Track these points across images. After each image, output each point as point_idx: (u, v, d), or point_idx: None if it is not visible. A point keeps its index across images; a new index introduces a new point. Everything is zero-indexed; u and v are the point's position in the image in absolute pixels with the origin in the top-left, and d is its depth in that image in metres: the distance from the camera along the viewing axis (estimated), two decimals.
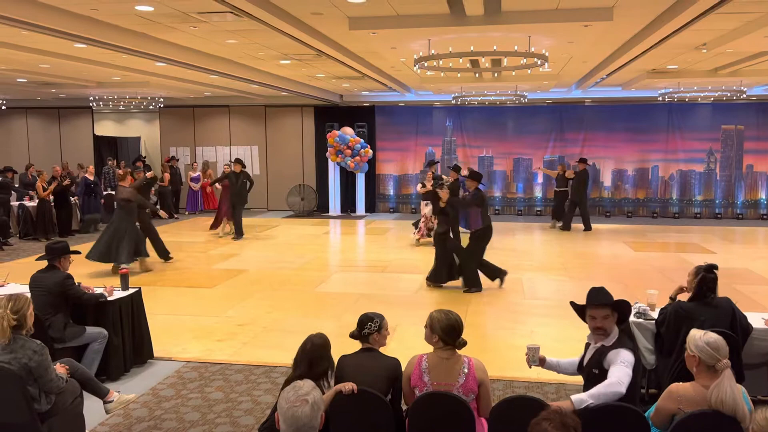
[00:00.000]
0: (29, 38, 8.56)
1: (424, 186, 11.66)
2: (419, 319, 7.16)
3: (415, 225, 13.24)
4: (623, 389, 3.30)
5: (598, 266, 10.90)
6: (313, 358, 3.45)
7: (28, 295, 4.42)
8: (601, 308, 3.63)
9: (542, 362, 3.89)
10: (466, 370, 3.44)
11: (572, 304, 3.85)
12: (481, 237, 8.97)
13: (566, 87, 15.74)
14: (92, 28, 7.81)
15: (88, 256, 9.36)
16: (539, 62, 8.80)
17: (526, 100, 15.22)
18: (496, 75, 11.87)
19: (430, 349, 3.61)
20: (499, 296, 8.68)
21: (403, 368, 3.62)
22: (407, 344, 5.88)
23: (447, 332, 3.49)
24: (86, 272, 9.37)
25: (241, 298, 8.47)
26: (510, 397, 3.54)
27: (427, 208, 12.61)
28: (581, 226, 15.04)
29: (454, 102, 15.67)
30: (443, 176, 12.56)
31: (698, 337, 3.25)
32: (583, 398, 3.30)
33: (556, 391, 5.30)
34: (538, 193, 18.01)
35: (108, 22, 7.94)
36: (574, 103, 17.37)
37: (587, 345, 3.83)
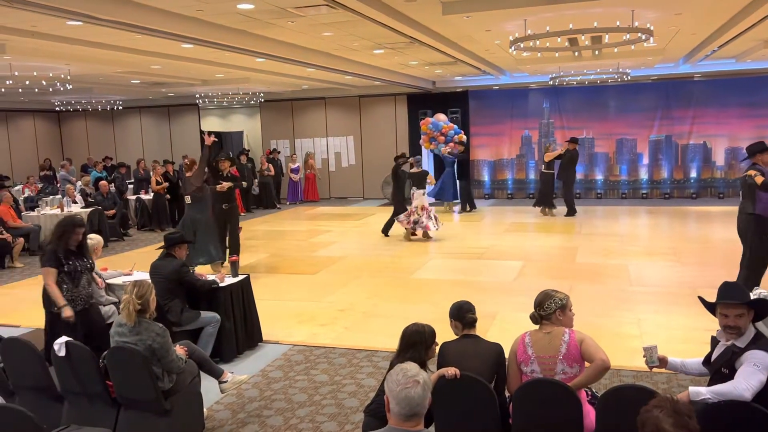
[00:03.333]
0: (142, 41, 9.14)
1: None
2: (519, 305, 7.06)
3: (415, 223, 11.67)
4: (749, 396, 3.01)
5: (712, 251, 10.25)
6: (411, 342, 3.49)
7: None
8: (735, 307, 3.29)
9: (663, 362, 3.59)
10: (566, 339, 3.45)
11: (701, 299, 3.58)
12: None
13: (673, 62, 14.83)
14: (198, 28, 8.23)
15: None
16: (644, 37, 8.36)
17: (629, 77, 14.50)
18: (596, 53, 11.38)
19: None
20: (603, 283, 8.38)
21: (507, 353, 3.62)
22: (508, 331, 5.81)
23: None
24: None
25: (341, 284, 8.69)
26: (618, 385, 3.44)
27: (418, 200, 11.63)
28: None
29: (551, 83, 15.19)
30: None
31: None
32: (701, 391, 3.09)
33: (667, 380, 5.07)
34: (643, 175, 17.13)
35: (212, 21, 8.34)
36: (681, 78, 16.33)
37: (713, 340, 3.51)
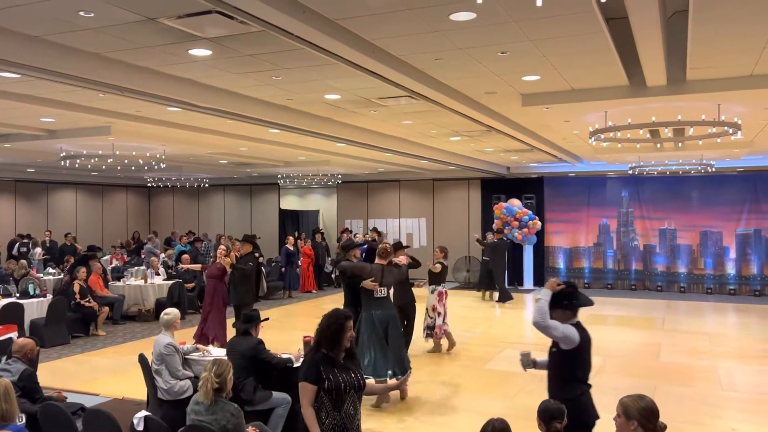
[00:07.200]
0: (233, 126, 9.73)
1: None
2: (600, 405, 6.64)
3: (429, 329, 9.64)
4: (532, 317, 4.23)
5: None
6: None
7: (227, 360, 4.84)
8: None
9: (536, 364, 4.53)
10: None
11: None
12: None
13: (761, 154, 14.32)
14: (286, 115, 8.70)
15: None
16: (730, 131, 8.17)
17: (714, 169, 14.06)
18: (680, 145, 11.17)
19: None
20: (691, 385, 7.85)
21: None
22: None
23: (645, 415, 3.24)
24: None
25: (413, 370, 8.50)
26: None
27: (430, 299, 9.52)
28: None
29: (630, 172, 14.92)
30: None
31: None
32: (539, 296, 4.27)
33: None
34: (730, 270, 16.25)
35: (300, 109, 8.81)
36: None
37: None
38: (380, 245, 7.35)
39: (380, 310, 6.96)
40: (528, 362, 4.50)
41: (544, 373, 4.07)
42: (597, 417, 4.25)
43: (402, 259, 7.83)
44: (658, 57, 5.92)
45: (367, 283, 6.89)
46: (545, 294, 4.25)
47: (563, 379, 4.22)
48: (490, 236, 15.90)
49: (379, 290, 6.94)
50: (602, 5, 4.70)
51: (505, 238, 15.74)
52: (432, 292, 9.62)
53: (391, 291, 7.77)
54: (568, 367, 4.21)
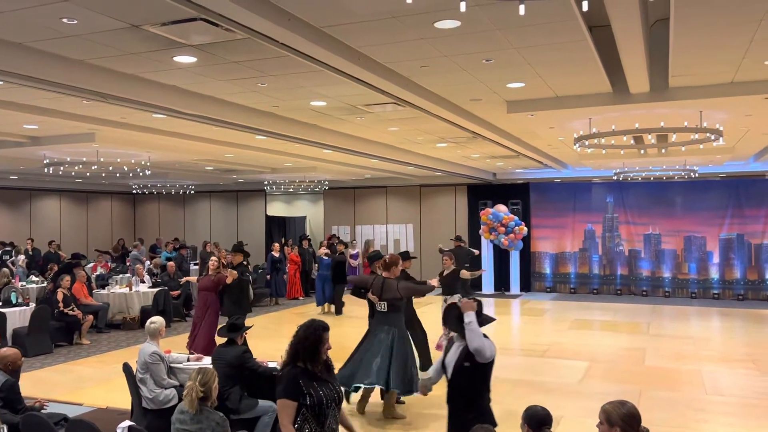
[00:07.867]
0: (219, 132, 9.70)
1: None
2: (586, 410, 6.70)
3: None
4: (472, 344, 4.14)
5: None
6: None
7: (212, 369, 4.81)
8: None
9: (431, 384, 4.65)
10: None
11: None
12: None
13: (743, 160, 14.52)
14: (272, 122, 8.69)
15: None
16: (712, 137, 8.27)
17: (697, 174, 14.22)
18: (663, 151, 11.29)
19: None
20: (676, 390, 7.90)
21: None
22: None
23: (628, 421, 3.21)
24: None
25: None
26: None
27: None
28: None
29: (615, 178, 15.06)
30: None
31: None
32: (468, 318, 4.24)
33: None
34: (714, 274, 16.42)
35: (286, 116, 8.80)
36: (752, 176, 15.89)
37: (450, 342, 4.50)
38: (387, 257, 7.09)
39: (377, 323, 6.75)
40: (429, 387, 4.66)
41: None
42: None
43: (434, 282, 7.67)
44: (641, 65, 5.99)
45: (370, 296, 6.88)
46: (472, 316, 4.27)
47: (477, 390, 4.28)
48: (456, 243, 15.05)
49: (379, 304, 6.68)
50: (585, 14, 4.75)
51: (463, 245, 14.71)
52: (458, 300, 9.28)
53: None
54: (481, 379, 4.31)
